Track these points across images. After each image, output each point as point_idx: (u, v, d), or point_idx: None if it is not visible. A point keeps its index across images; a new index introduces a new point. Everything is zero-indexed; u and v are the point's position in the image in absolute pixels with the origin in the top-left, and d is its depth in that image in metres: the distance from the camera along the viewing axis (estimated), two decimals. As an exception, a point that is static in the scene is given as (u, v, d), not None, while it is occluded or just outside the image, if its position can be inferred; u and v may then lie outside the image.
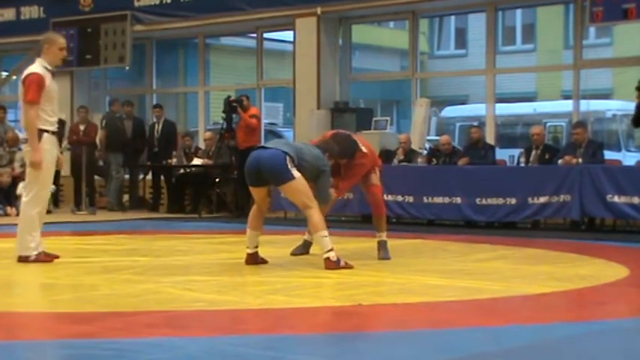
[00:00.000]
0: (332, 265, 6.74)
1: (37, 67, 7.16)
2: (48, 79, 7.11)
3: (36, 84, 7.02)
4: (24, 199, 7.20)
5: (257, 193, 7.07)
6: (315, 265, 7.17)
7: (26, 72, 7.18)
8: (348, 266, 6.80)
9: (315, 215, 6.83)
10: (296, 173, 6.78)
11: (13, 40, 16.63)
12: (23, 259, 7.09)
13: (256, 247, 7.11)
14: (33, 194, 7.11)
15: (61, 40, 7.38)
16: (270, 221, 7.36)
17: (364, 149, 7.44)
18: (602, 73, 17.69)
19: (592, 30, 17.65)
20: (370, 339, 4.48)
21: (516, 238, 9.72)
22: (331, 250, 6.80)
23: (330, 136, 7.43)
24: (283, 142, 7.57)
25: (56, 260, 7.22)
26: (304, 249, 7.77)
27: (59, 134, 14.99)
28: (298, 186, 6.82)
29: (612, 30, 20.38)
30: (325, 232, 6.81)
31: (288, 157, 6.82)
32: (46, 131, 7.10)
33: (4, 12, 16.82)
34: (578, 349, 4.26)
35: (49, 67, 7.20)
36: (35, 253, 7.12)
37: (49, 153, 7.14)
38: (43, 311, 5.15)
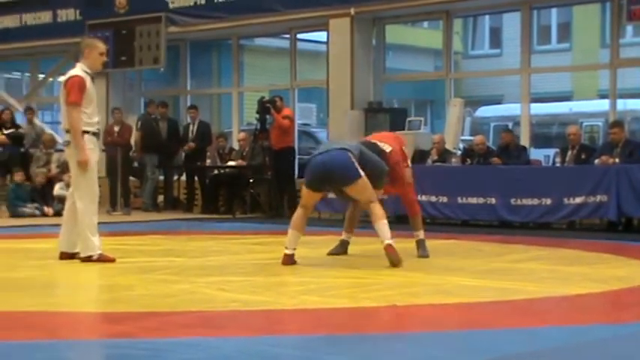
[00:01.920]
0: (393, 251, 6.91)
1: (77, 70, 7.36)
2: (88, 82, 7.30)
3: (78, 86, 7.20)
4: (78, 202, 7.26)
5: (313, 197, 7.21)
6: (351, 265, 7.18)
7: (67, 75, 7.38)
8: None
9: (378, 207, 7.04)
10: (361, 171, 6.99)
11: (49, 43, 16.80)
12: (86, 259, 7.18)
13: (295, 248, 7.11)
14: (85, 195, 7.25)
15: (102, 45, 7.56)
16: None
17: (386, 147, 7.48)
18: (639, 72, 17.49)
19: (629, 28, 17.47)
20: (405, 339, 4.48)
21: (551, 239, 9.64)
22: (390, 237, 6.97)
23: None
24: (342, 142, 7.65)
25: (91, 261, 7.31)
26: (342, 249, 7.79)
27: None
28: (365, 183, 7.02)
29: (649, 28, 20.14)
30: (386, 221, 7.00)
31: (351, 155, 7.01)
32: (87, 132, 7.27)
33: (40, 15, 17.00)
34: (615, 351, 4.22)
35: (89, 71, 7.36)
36: (99, 252, 7.23)
37: (92, 152, 7.32)
38: (80, 311, 5.20)
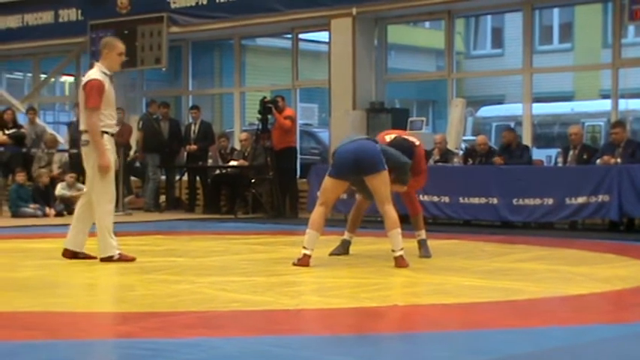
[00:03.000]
0: (404, 263, 6.90)
1: (96, 72, 7.34)
2: (107, 83, 7.30)
3: (97, 90, 7.19)
4: (95, 203, 7.26)
5: (336, 190, 7.13)
6: (352, 265, 7.17)
7: (86, 78, 7.36)
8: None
9: (394, 212, 6.99)
10: (385, 165, 6.97)
11: (51, 43, 16.82)
12: (107, 260, 7.19)
13: (313, 249, 6.98)
14: (102, 195, 7.26)
15: (121, 45, 7.54)
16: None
17: (415, 141, 7.63)
18: (641, 72, 17.49)
19: (631, 28, 17.46)
20: (406, 340, 4.47)
21: (554, 239, 9.63)
22: (402, 248, 6.96)
23: (388, 143, 7.47)
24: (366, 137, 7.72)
25: (91, 260, 7.31)
26: (343, 249, 7.77)
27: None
28: (386, 178, 7.00)
29: (652, 28, 20.13)
30: (400, 230, 6.97)
31: (378, 146, 7.08)
32: (106, 133, 7.28)
33: (42, 15, 17.01)
34: (617, 351, 4.21)
35: (108, 72, 7.36)
36: (118, 252, 7.24)
37: (109, 153, 7.32)
38: (82, 311, 5.19)
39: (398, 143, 7.42)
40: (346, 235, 7.80)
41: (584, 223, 11.10)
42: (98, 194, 7.26)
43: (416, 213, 7.75)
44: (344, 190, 7.33)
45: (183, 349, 4.04)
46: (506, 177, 11.21)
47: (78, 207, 7.51)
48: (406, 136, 7.71)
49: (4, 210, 13.44)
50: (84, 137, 7.34)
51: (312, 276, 6.53)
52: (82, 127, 7.42)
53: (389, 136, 7.57)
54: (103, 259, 7.20)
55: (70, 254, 7.35)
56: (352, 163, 6.97)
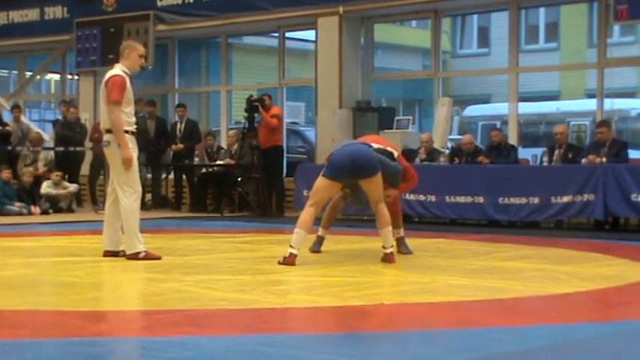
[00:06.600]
0: (393, 259, 7.11)
1: (117, 70, 7.41)
2: (128, 82, 7.36)
3: (119, 85, 7.27)
4: (122, 200, 7.23)
5: (332, 189, 7.22)
6: (338, 264, 7.17)
7: (108, 75, 7.41)
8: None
9: (386, 211, 7.19)
10: (380, 168, 7.13)
11: (37, 40, 16.76)
12: (132, 257, 7.19)
13: (299, 249, 7.01)
14: (129, 194, 7.27)
15: (142, 48, 7.64)
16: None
17: (394, 152, 7.62)
18: (626, 72, 17.55)
19: (616, 28, 17.55)
20: (393, 338, 4.47)
21: (539, 238, 9.67)
22: (392, 246, 7.21)
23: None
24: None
25: (78, 259, 7.29)
26: (320, 245, 7.83)
27: (82, 135, 15.08)
28: (379, 181, 7.15)
29: (637, 28, 20.23)
30: (391, 228, 7.22)
31: (373, 150, 7.22)
32: (127, 132, 7.31)
33: (28, 12, 16.95)
34: (602, 349, 4.23)
35: (128, 72, 7.40)
36: (144, 249, 7.24)
37: (132, 151, 7.33)
38: (66, 310, 5.17)
39: (380, 154, 7.44)
40: (321, 232, 7.86)
41: (570, 222, 11.15)
42: (123, 192, 7.26)
43: (395, 210, 7.81)
44: (336, 192, 7.36)
45: (170, 348, 4.03)
46: (492, 176, 11.24)
47: (107, 207, 7.51)
48: (384, 147, 7.65)
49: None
50: (105, 138, 7.36)
51: (298, 274, 6.54)
52: (103, 124, 7.46)
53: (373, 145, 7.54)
54: (129, 257, 7.21)
55: (111, 254, 7.35)
56: (350, 166, 7.07)
